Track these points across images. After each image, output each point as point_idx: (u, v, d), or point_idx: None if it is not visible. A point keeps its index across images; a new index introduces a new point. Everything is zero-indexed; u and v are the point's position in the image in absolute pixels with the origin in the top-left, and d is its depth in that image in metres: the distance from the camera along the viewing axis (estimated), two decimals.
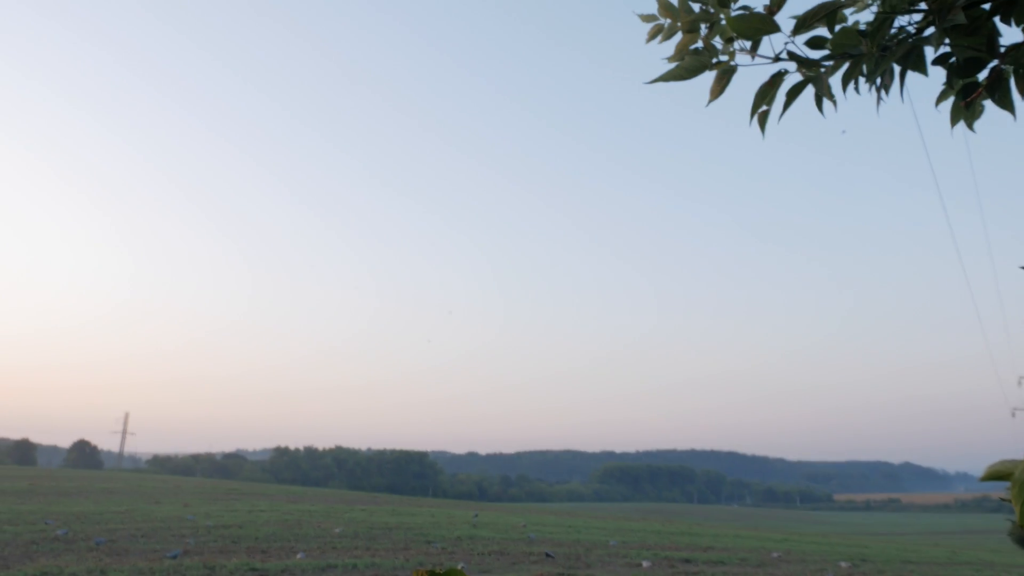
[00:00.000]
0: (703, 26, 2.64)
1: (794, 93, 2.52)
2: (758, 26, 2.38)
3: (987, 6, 2.31)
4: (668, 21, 2.69)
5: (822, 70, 2.47)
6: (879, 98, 2.53)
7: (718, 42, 2.62)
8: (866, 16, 2.43)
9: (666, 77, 2.59)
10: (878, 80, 2.50)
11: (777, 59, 2.49)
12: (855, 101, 2.62)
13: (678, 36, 2.68)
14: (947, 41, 2.33)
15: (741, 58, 2.57)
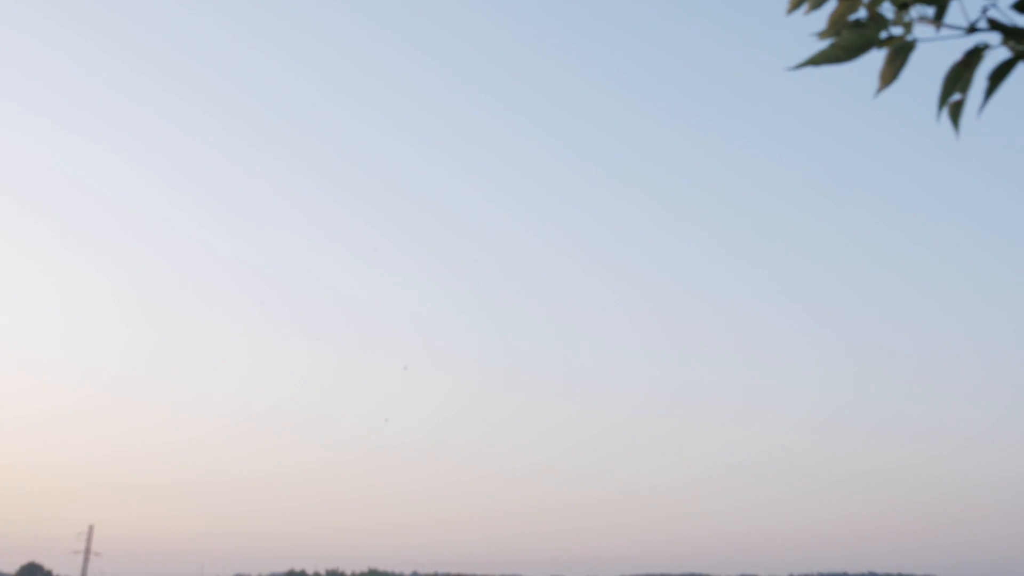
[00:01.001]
0: None
1: (1000, 75, 2.49)
2: None
3: None
4: None
5: None
6: None
7: (888, 9, 2.61)
8: None
9: (818, 59, 2.60)
10: None
11: (973, 30, 2.47)
12: None
13: (832, 3, 2.68)
14: None
15: (921, 30, 2.55)
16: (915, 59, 2.59)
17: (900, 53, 2.58)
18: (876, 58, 2.63)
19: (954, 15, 2.50)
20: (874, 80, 2.62)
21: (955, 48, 2.53)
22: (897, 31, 2.57)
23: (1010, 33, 2.44)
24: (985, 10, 2.44)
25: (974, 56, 2.50)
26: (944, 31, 2.51)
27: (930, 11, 2.51)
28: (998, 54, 2.48)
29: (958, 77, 2.54)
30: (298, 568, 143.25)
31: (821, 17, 2.68)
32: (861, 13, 2.63)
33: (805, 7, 2.69)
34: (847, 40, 2.58)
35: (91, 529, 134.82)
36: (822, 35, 2.62)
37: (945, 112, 2.57)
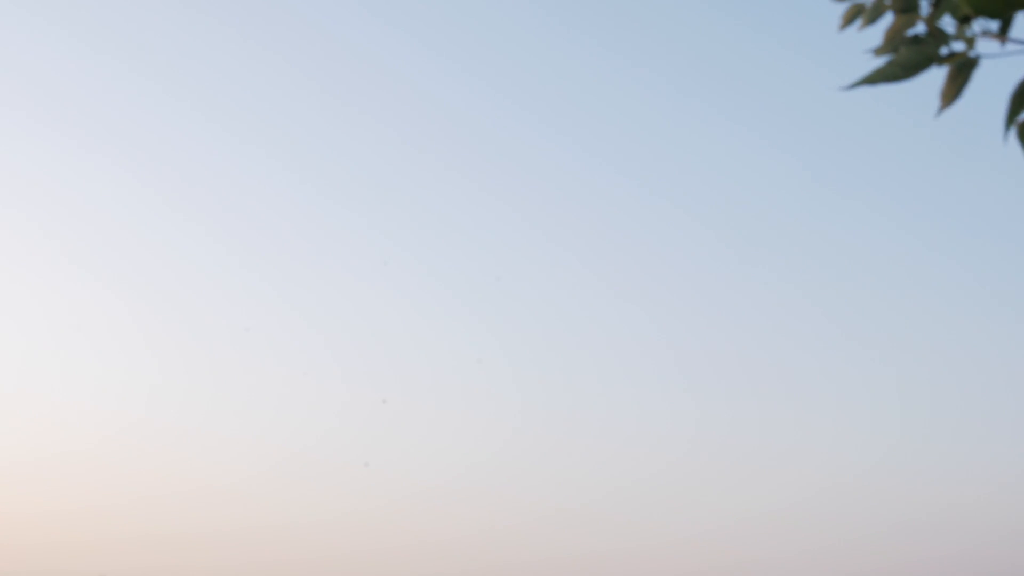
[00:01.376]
0: (924, 1, 2.62)
1: None
2: None
3: None
4: None
5: None
6: None
7: (948, 23, 2.58)
8: None
9: (874, 78, 2.56)
10: None
11: None
12: None
13: (888, 17, 2.66)
14: None
15: (985, 45, 2.52)
16: (979, 75, 2.55)
17: (962, 70, 2.54)
18: (935, 77, 2.59)
19: (1020, 29, 2.46)
20: (935, 96, 2.58)
21: (1022, 64, 2.48)
22: (959, 47, 2.54)
23: None
24: None
25: None
26: (1010, 46, 2.47)
27: (994, 25, 2.47)
28: None
29: None
30: None
31: (877, 33, 2.66)
32: (920, 28, 2.60)
33: (859, 22, 2.67)
34: (905, 57, 2.55)
35: None
36: (878, 52, 2.59)
37: (1013, 132, 2.52)
